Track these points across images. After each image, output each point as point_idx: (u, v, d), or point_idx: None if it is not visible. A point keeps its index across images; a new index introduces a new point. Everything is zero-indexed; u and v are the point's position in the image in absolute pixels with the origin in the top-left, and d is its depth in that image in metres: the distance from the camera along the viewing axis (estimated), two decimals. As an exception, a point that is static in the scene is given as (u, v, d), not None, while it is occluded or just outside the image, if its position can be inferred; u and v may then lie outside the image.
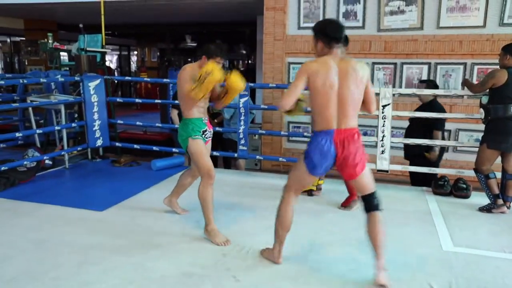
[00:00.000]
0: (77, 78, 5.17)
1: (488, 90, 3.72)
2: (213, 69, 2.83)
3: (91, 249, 2.93)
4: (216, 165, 6.10)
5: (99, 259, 2.77)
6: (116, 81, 13.11)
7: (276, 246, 2.70)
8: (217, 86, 3.14)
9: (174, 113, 5.55)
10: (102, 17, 5.99)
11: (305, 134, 5.13)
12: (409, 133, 4.58)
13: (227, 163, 6.12)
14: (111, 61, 18.14)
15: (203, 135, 3.15)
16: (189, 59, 17.90)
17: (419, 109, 4.54)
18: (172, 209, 3.62)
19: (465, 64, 5.54)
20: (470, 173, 4.11)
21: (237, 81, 2.98)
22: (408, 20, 5.72)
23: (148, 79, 8.13)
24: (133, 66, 16.78)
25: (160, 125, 5.89)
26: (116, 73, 15.53)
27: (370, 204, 2.47)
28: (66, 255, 2.83)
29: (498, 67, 3.78)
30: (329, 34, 2.42)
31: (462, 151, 5.50)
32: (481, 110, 3.81)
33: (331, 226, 3.42)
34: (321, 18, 5.96)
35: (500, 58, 3.69)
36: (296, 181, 2.59)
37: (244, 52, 13.58)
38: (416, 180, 4.63)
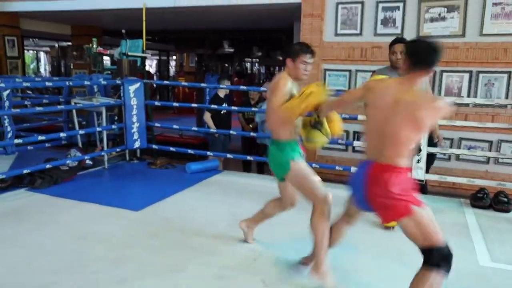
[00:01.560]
0: (118, 82, 5.37)
1: None
2: (312, 91, 2.46)
3: (126, 246, 3.03)
4: (250, 170, 6.18)
5: (134, 257, 2.86)
6: (155, 85, 13.51)
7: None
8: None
9: (207, 116, 5.65)
10: (144, 23, 6.19)
11: (339, 141, 5.09)
12: None
13: (260, 169, 6.16)
14: (151, 65, 18.69)
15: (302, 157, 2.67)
16: (226, 65, 18.25)
17: None
18: (244, 234, 3.14)
19: (509, 72, 5.34)
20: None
21: (337, 127, 2.62)
22: (449, 27, 5.58)
23: (185, 83, 8.32)
24: (172, 71, 17.20)
25: (195, 128, 6.00)
26: (155, 78, 15.97)
27: (425, 258, 2.05)
28: (103, 251, 2.95)
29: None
30: (417, 55, 2.08)
31: (505, 163, 5.29)
32: None
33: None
34: (358, 25, 5.93)
35: None
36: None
37: (281, 58, 13.65)
38: None
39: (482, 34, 5.40)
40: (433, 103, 2.02)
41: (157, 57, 17.13)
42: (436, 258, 1.99)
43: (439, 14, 5.60)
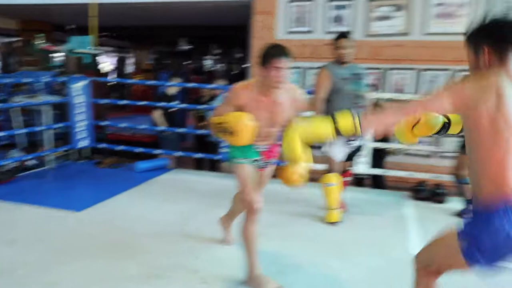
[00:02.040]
0: (62, 79, 5.19)
1: None
2: (240, 131, 2.24)
3: (62, 249, 2.93)
4: (202, 168, 6.13)
5: (69, 259, 2.77)
6: (110, 83, 13.18)
7: None
8: None
9: (156, 114, 5.56)
10: (93, 18, 6.01)
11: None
12: None
13: (213, 166, 6.12)
14: (111, 63, 18.20)
15: (254, 161, 2.51)
16: (184, 62, 18.02)
17: None
18: (223, 231, 3.09)
19: (453, 70, 5.55)
20: (449, 178, 4.13)
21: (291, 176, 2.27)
22: (395, 25, 5.74)
23: (133, 81, 8.17)
24: (130, 69, 16.82)
25: (145, 127, 5.89)
26: (110, 76, 15.57)
27: None
28: (36, 254, 2.83)
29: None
30: (507, 37, 1.54)
31: (445, 157, 5.50)
32: None
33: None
34: (310, 23, 6.00)
35: None
36: (442, 260, 1.67)
37: (240, 56, 13.64)
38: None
39: (426, 33, 5.59)
40: None
41: (117, 55, 16.69)
42: None
43: (386, 13, 5.75)
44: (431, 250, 1.72)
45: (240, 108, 2.35)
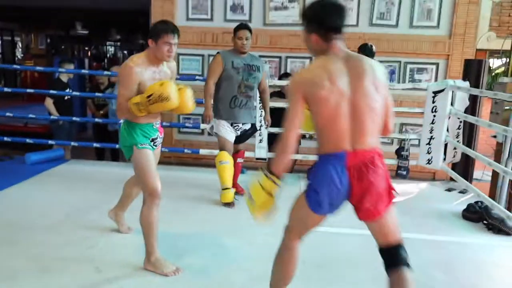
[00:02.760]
0: None
1: None
2: (170, 95, 2.34)
3: None
4: (103, 158, 5.91)
5: None
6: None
7: None
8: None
9: (48, 102, 5.23)
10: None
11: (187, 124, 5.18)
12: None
13: (114, 156, 5.94)
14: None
15: (152, 144, 2.59)
16: (86, 48, 16.98)
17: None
18: (116, 224, 3.05)
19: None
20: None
21: (186, 101, 2.50)
22: (291, 16, 6.02)
23: (19, 67, 7.55)
24: (19, 54, 15.36)
25: (33, 116, 5.50)
26: (-2, 61, 14.11)
27: (397, 256, 1.79)
28: None
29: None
30: (326, 22, 1.76)
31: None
32: None
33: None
34: (209, 10, 6.05)
35: None
36: (299, 221, 1.93)
37: (142, 42, 13.20)
38: None
39: (318, 23, 5.96)
40: (377, 62, 1.96)
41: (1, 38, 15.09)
42: (405, 251, 1.82)
43: (282, 4, 6.00)
44: (291, 215, 1.96)
45: (140, 83, 2.41)
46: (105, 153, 6.03)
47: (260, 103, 4.37)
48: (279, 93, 5.02)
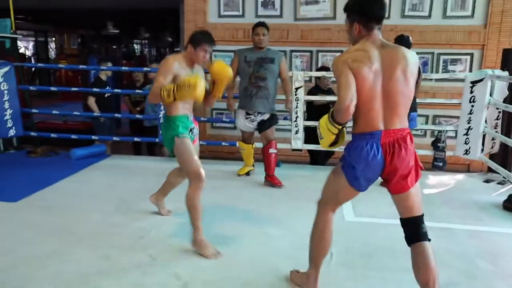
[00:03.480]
0: (-18, 65, 4.88)
1: None
2: (196, 84, 2.53)
3: (3, 239, 2.87)
4: (140, 153, 6.11)
5: (7, 249, 2.73)
6: (33, 69, 12.39)
7: (312, 271, 2.26)
8: (206, 85, 2.85)
9: (90, 101, 5.44)
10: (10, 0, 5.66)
11: (224, 119, 5.30)
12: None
13: (151, 150, 6.12)
14: (27, 47, 16.99)
15: (191, 133, 2.85)
16: (114, 47, 17.36)
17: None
18: (157, 207, 3.36)
19: (373, 52, 5.98)
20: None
21: (221, 67, 2.76)
22: (322, 10, 6.04)
23: (63, 66, 7.80)
24: (53, 53, 15.86)
25: (77, 113, 5.73)
26: (32, 61, 14.61)
27: (418, 230, 1.98)
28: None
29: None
30: (367, 12, 1.95)
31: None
32: None
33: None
34: (240, 7, 6.12)
35: None
36: (334, 195, 2.12)
37: (170, 40, 13.41)
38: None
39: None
40: (413, 51, 2.05)
41: (34, 39, 15.61)
42: (425, 226, 2.00)
43: (313, -2, 6.03)
44: (325, 189, 2.17)
45: (175, 76, 2.69)
46: (141, 148, 6.23)
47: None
48: (316, 88, 5.06)
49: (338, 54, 5.93)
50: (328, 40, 6.02)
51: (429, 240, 1.99)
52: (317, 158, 5.14)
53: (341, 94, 1.89)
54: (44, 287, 2.33)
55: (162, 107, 4.87)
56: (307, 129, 4.82)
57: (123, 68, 6.60)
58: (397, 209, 2.04)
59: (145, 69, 5.61)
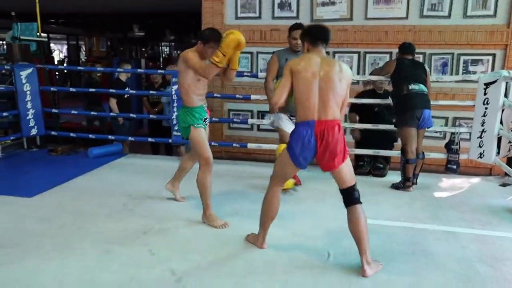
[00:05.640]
0: (7, 67, 5.13)
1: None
2: (232, 31, 2.85)
3: (11, 233, 3.01)
4: (158, 153, 6.24)
5: (18, 241, 2.87)
6: (63, 71, 12.86)
7: (261, 232, 2.80)
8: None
9: (112, 102, 5.61)
10: (37, 4, 5.92)
11: (236, 120, 5.32)
12: None
13: (169, 151, 6.24)
14: (61, 50, 17.66)
15: (204, 123, 3.24)
16: (143, 49, 17.79)
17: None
18: (172, 194, 3.68)
19: (391, 53, 5.90)
20: (384, 153, 4.47)
21: (235, 34, 2.86)
22: (338, 11, 6.00)
23: (85, 68, 8.05)
24: (83, 56, 16.40)
25: (94, 113, 5.92)
26: (64, 63, 15.15)
27: (351, 197, 2.51)
28: (-13, 238, 2.91)
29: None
30: (314, 35, 2.59)
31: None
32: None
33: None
34: (257, 9, 6.16)
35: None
36: (280, 171, 2.67)
37: (193, 41, 13.62)
38: None
39: (366, 18, 5.90)
40: (347, 66, 2.62)
41: (66, 42, 16.20)
42: (358, 192, 2.53)
43: (330, -1, 6.00)
44: (275, 166, 2.72)
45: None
46: (159, 148, 6.36)
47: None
48: (372, 92, 5.00)
49: (355, 55, 5.97)
50: (345, 41, 5.97)
51: (361, 203, 2.51)
52: None
53: (277, 91, 2.56)
54: (45, 279, 2.43)
55: (174, 108, 4.98)
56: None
57: (139, 70, 6.76)
58: (336, 182, 2.57)
59: (160, 71, 5.72)
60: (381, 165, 4.53)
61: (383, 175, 4.51)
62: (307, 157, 2.51)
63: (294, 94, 2.53)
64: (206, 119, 3.28)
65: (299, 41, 3.68)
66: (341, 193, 2.56)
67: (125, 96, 5.75)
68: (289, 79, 2.51)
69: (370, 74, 4.77)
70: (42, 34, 5.92)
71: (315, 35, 2.60)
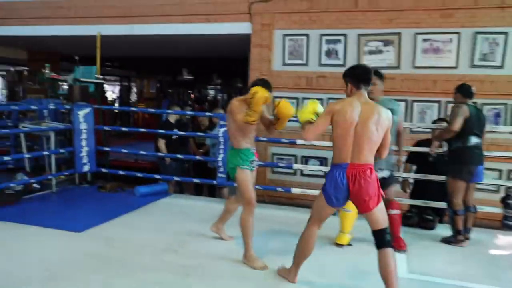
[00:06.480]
0: (67, 106, 5.46)
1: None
2: (257, 90, 3.06)
3: (61, 265, 3.09)
4: (201, 193, 6.31)
5: (67, 275, 2.94)
6: (115, 111, 13.51)
7: (293, 268, 2.90)
8: (267, 114, 3.34)
9: (160, 143, 5.80)
10: (98, 50, 6.34)
11: (280, 164, 5.31)
12: None
13: (212, 192, 6.30)
14: (114, 91, 18.62)
15: (251, 165, 3.30)
16: (190, 91, 18.50)
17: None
18: (218, 235, 3.73)
19: (439, 101, 5.80)
20: (433, 204, 4.28)
21: (286, 107, 3.13)
22: (385, 59, 6.03)
23: (134, 109, 8.41)
24: (133, 97, 17.22)
25: (143, 152, 6.12)
26: (116, 104, 15.94)
27: (383, 239, 2.58)
28: (36, 270, 3.00)
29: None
30: (358, 76, 2.67)
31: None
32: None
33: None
34: (304, 56, 6.30)
35: (454, 96, 4.04)
36: (317, 211, 2.77)
37: (240, 86, 14.01)
38: None
39: (414, 66, 5.88)
40: (387, 110, 2.72)
41: (119, 83, 17.13)
42: (389, 235, 2.60)
43: (377, 47, 6.06)
44: (312, 208, 2.82)
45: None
46: (203, 189, 6.44)
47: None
48: (428, 141, 4.64)
49: (402, 103, 5.91)
50: (392, 89, 5.92)
51: (392, 247, 2.59)
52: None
53: (312, 129, 2.69)
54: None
55: (220, 150, 5.06)
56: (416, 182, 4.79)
57: (188, 112, 6.99)
58: (368, 223, 2.65)
59: (207, 113, 5.89)
60: (430, 217, 4.33)
61: (432, 228, 4.30)
62: (340, 198, 2.63)
63: (332, 138, 2.67)
64: (253, 161, 3.32)
65: (373, 88, 3.34)
66: (373, 235, 2.62)
67: (173, 137, 5.93)
68: (328, 120, 2.63)
69: (436, 137, 4.38)
70: (100, 76, 6.28)
71: (360, 77, 2.67)
